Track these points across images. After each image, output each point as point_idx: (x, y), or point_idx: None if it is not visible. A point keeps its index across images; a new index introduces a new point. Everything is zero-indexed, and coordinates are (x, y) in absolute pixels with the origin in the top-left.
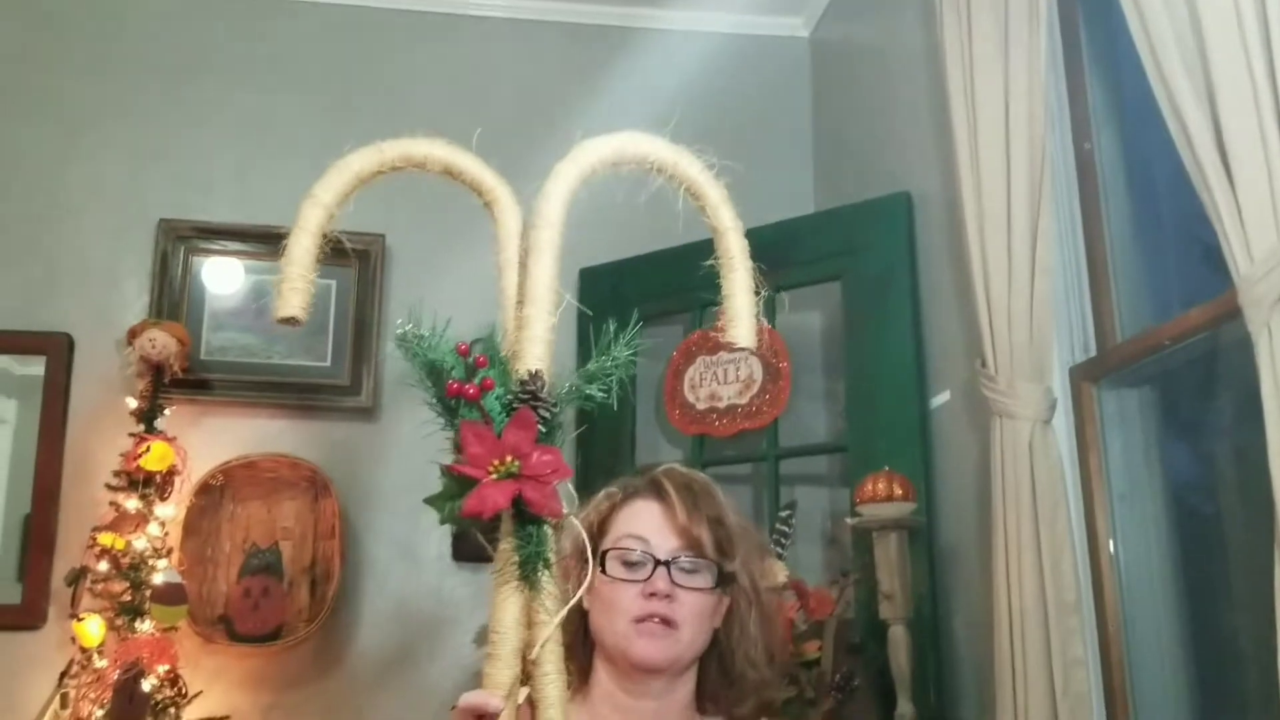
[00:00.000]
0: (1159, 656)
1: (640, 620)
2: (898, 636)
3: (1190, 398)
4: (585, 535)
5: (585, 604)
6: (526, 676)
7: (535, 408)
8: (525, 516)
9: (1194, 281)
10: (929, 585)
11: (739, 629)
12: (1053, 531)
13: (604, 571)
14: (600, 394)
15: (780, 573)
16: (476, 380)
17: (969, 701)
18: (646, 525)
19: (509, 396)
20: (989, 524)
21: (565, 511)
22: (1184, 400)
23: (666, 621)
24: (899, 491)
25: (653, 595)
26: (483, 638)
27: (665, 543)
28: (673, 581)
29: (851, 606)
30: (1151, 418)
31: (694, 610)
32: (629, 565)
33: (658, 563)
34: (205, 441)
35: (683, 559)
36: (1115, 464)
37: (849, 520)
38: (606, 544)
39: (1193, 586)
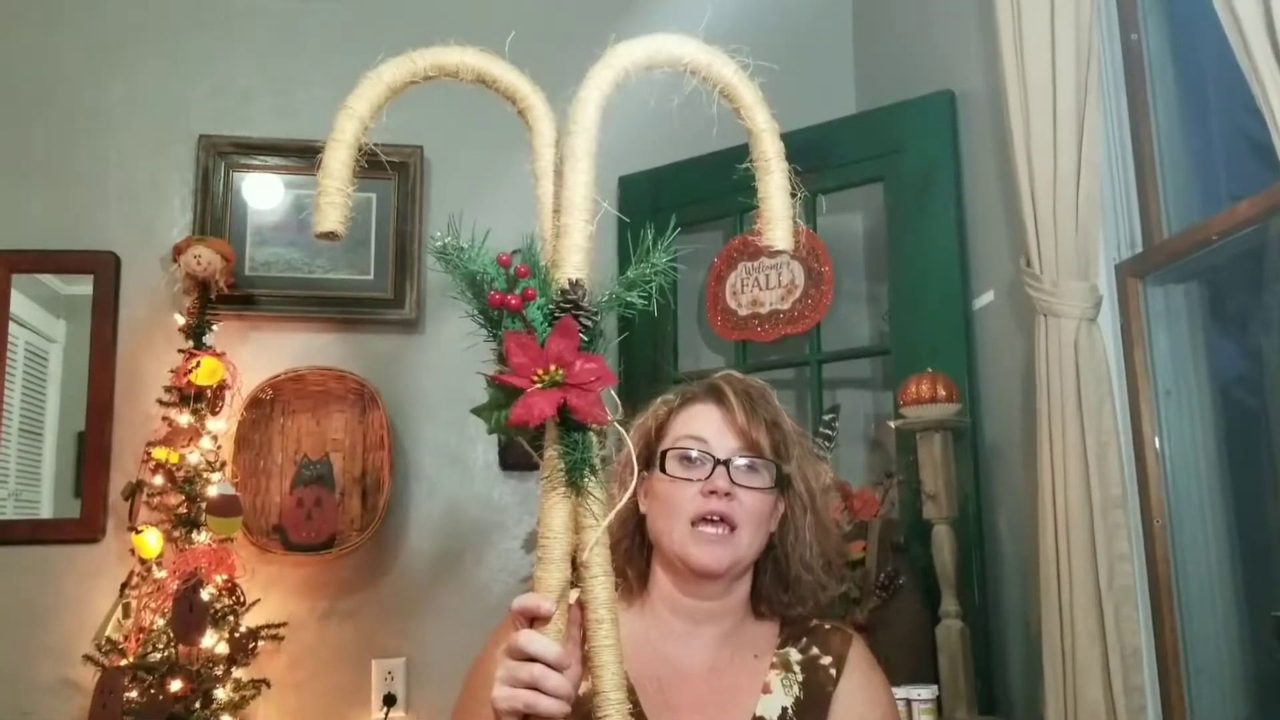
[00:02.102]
0: (1204, 551)
1: (699, 520)
2: (942, 536)
3: (1237, 293)
4: (643, 439)
5: (643, 508)
6: (576, 579)
7: (577, 316)
8: (571, 424)
9: (1243, 175)
10: (973, 485)
11: (794, 534)
12: (1098, 429)
13: (663, 470)
14: (641, 301)
15: (827, 474)
16: (518, 291)
17: (1013, 598)
18: (705, 427)
19: (551, 306)
20: (1033, 423)
21: (610, 418)
22: (1231, 295)
23: (725, 520)
24: (943, 393)
25: (712, 494)
26: (531, 543)
27: (724, 443)
28: (732, 481)
29: (896, 507)
30: (1198, 313)
31: (752, 510)
32: (688, 464)
33: (717, 462)
34: (253, 356)
35: (742, 458)
36: (1161, 360)
37: (892, 424)
38: (665, 445)
39: (1238, 481)
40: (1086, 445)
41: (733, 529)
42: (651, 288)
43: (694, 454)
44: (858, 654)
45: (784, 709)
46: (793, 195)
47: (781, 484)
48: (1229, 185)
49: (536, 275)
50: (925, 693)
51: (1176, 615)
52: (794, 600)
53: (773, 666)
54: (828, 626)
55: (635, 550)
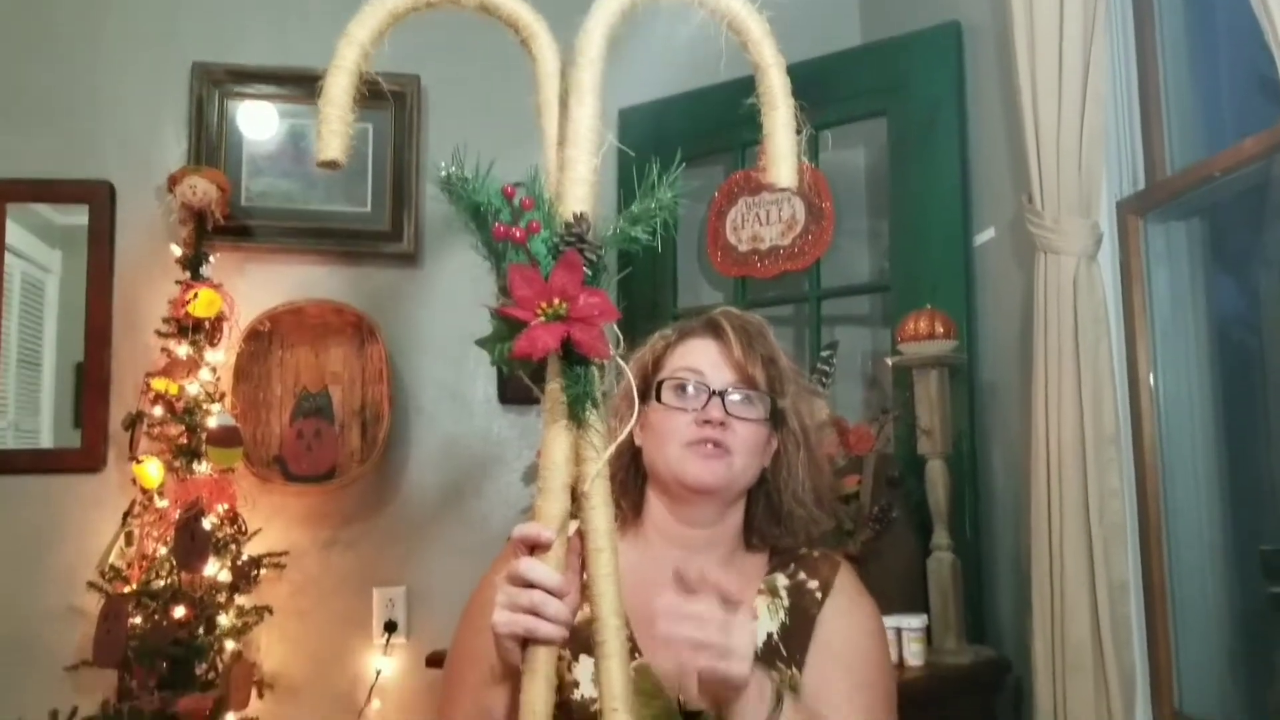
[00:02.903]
0: (1194, 487)
1: (694, 444)
2: (936, 471)
3: (1238, 232)
4: (639, 373)
5: (638, 439)
6: (576, 510)
7: (581, 250)
8: (573, 357)
9: (1250, 112)
10: (968, 421)
11: (786, 469)
12: (1094, 366)
13: (659, 400)
14: (645, 236)
15: (822, 410)
16: (523, 223)
17: (1004, 532)
18: (702, 360)
19: (555, 239)
20: (1030, 360)
21: (612, 352)
22: (1232, 234)
23: (719, 446)
24: (941, 329)
25: (707, 423)
26: (530, 476)
27: (720, 376)
28: (726, 411)
29: (891, 443)
30: (1198, 252)
31: (746, 440)
32: (683, 395)
33: (712, 393)
34: (251, 288)
35: (736, 391)
36: (1159, 299)
37: (889, 360)
38: (663, 376)
39: (1230, 419)
40: (1082, 382)
41: (728, 454)
42: (656, 223)
43: (690, 385)
44: (845, 579)
45: (770, 635)
46: (798, 132)
47: (775, 419)
48: (1235, 123)
49: (540, 208)
50: (915, 622)
51: (1165, 550)
52: (785, 533)
53: (760, 593)
54: (816, 554)
55: (630, 482)
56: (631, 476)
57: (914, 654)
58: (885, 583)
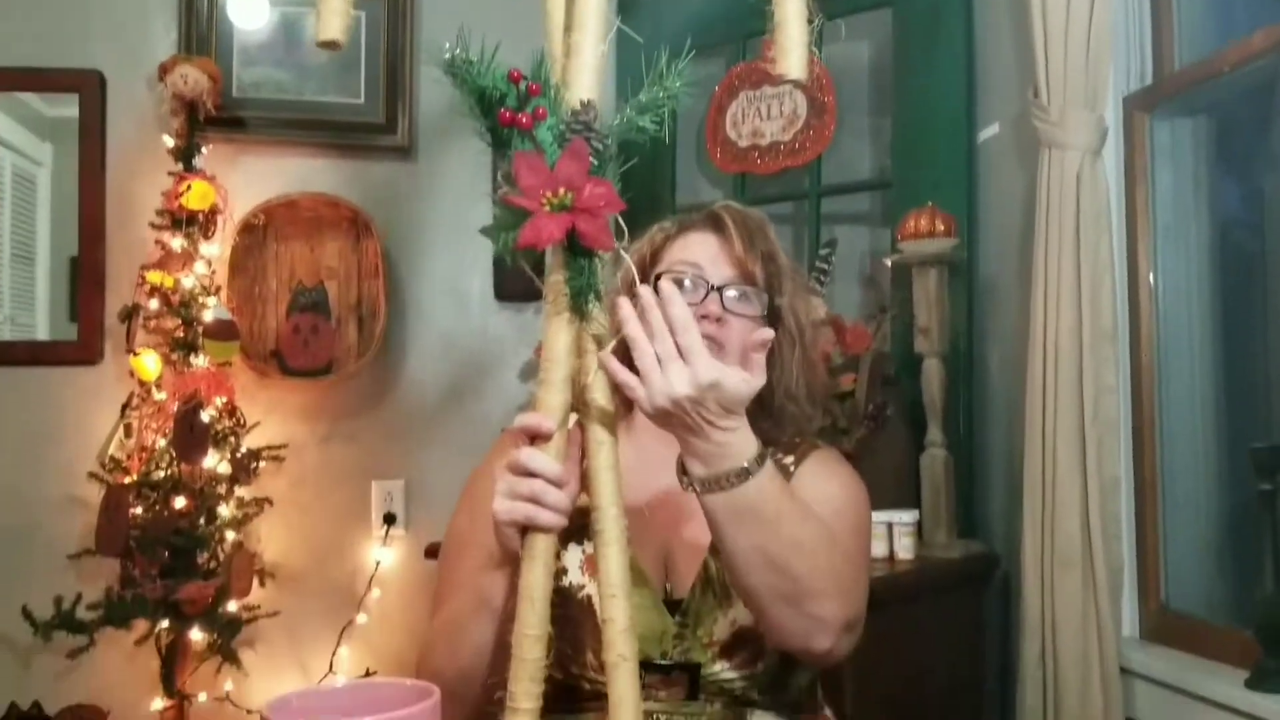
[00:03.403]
0: (1189, 385)
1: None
2: (932, 369)
3: (1245, 130)
4: (637, 265)
5: None
6: (576, 403)
7: (588, 139)
8: (577, 249)
9: (1263, 7)
10: (965, 320)
11: (780, 367)
12: (1094, 263)
13: (656, 294)
14: (653, 126)
15: (819, 309)
16: (529, 109)
17: (998, 430)
18: (702, 254)
19: (561, 127)
20: (1030, 258)
21: (616, 244)
22: (1238, 132)
23: (713, 342)
24: (941, 227)
25: (704, 318)
26: (527, 373)
27: (719, 271)
28: (724, 307)
29: (888, 341)
30: (1203, 150)
31: (741, 336)
32: (682, 289)
33: (710, 287)
34: (244, 181)
35: (735, 287)
36: (1162, 196)
37: (888, 259)
38: (660, 269)
39: (1228, 318)
40: (1081, 279)
41: (722, 352)
42: (664, 113)
43: (687, 279)
44: (822, 453)
45: None
46: (809, 22)
47: (772, 317)
48: (1247, 17)
49: (547, 94)
50: (907, 517)
51: (1157, 447)
52: (774, 428)
53: None
54: (799, 440)
55: None
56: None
57: (904, 548)
58: (879, 480)
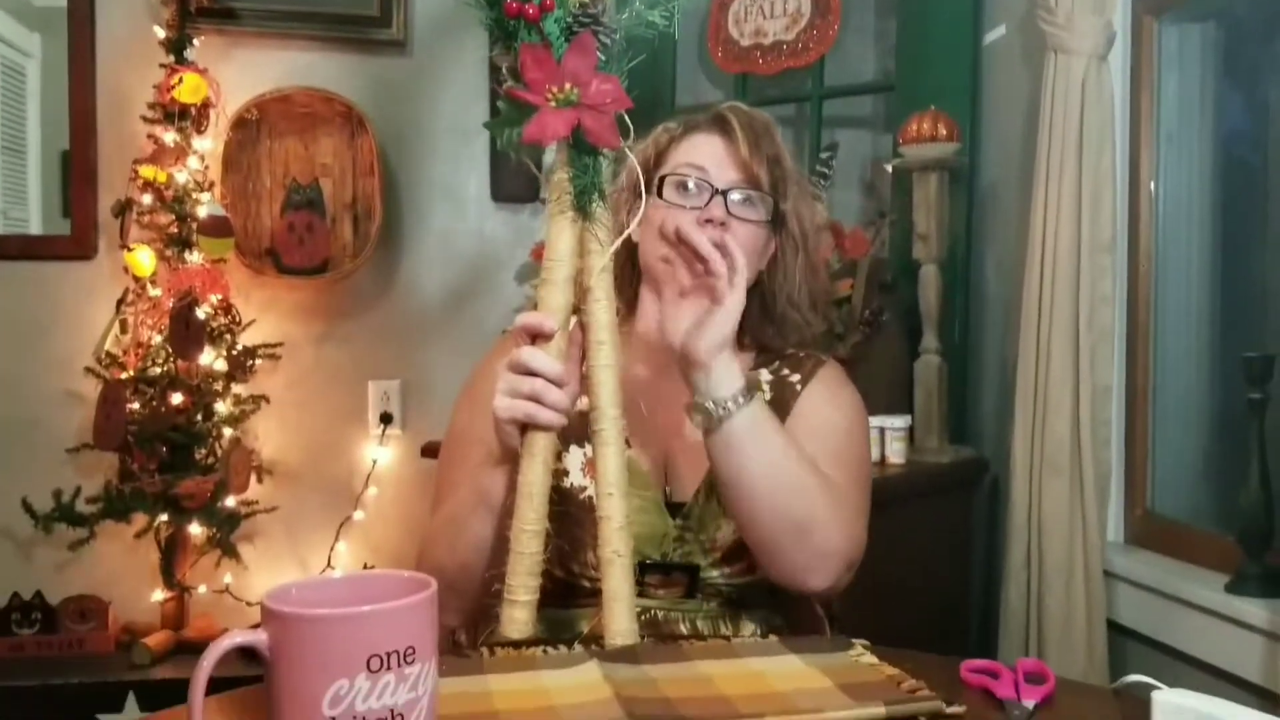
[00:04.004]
0: (1186, 294)
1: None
2: (929, 275)
3: (1254, 38)
4: (641, 166)
5: (635, 236)
6: (578, 303)
7: (596, 33)
8: (583, 147)
9: None
10: (964, 226)
11: (783, 273)
12: (1096, 170)
13: (660, 196)
14: (662, 21)
15: (821, 213)
16: (536, 0)
17: (993, 337)
18: (707, 156)
19: (568, 19)
20: (1032, 164)
21: (622, 143)
22: (1247, 40)
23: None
24: (943, 132)
25: (708, 222)
26: (523, 275)
27: (724, 174)
28: (728, 212)
29: (886, 247)
30: (1211, 57)
31: (745, 242)
32: (685, 192)
33: (715, 191)
34: (237, 74)
35: (740, 190)
36: (1168, 103)
37: (889, 164)
38: (664, 171)
39: (1227, 228)
40: (1083, 186)
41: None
42: (674, 7)
43: (692, 183)
44: (827, 372)
45: None
46: None
47: (776, 222)
48: None
49: None
50: (899, 422)
51: (1151, 355)
52: (776, 334)
53: None
54: (802, 354)
55: (624, 279)
56: (627, 274)
57: (896, 452)
58: (872, 385)
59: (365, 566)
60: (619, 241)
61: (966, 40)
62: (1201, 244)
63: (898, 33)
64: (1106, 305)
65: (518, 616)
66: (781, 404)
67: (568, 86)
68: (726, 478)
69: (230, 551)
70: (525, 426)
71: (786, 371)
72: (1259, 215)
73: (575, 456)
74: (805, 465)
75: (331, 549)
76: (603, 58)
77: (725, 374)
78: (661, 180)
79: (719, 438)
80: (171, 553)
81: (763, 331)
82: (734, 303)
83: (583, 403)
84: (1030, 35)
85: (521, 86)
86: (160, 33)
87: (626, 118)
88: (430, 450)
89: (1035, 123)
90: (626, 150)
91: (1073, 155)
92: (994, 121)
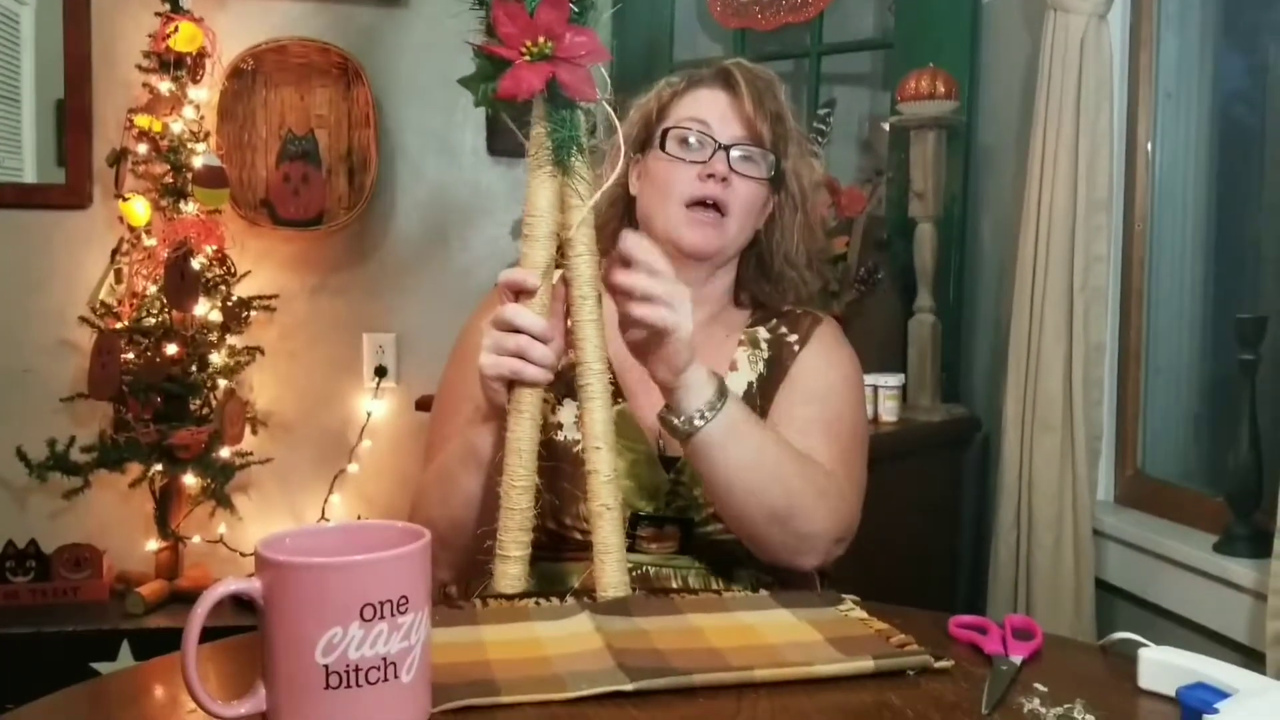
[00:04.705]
0: (1180, 255)
1: (693, 203)
2: (924, 234)
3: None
4: (643, 120)
5: (634, 189)
6: (561, 258)
7: None
8: (559, 100)
9: None
10: (961, 185)
11: (780, 231)
12: (1093, 130)
13: (662, 149)
14: None
15: (818, 171)
16: None
17: (987, 296)
18: (710, 111)
19: None
20: (1030, 123)
21: (600, 96)
22: (1247, 1)
23: (718, 205)
24: (942, 89)
25: (710, 177)
26: (518, 229)
27: (728, 129)
28: (730, 168)
29: (882, 205)
30: (1211, 17)
31: (745, 199)
32: (687, 147)
33: (718, 146)
34: (233, 24)
35: (742, 147)
36: (1166, 63)
37: (886, 123)
38: (667, 125)
39: (1223, 189)
40: (1079, 146)
41: (723, 215)
42: None
43: (694, 137)
44: (825, 330)
45: (749, 384)
46: None
47: (776, 179)
48: None
49: None
50: (892, 380)
51: (1144, 316)
52: (774, 292)
53: (740, 344)
54: (800, 311)
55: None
56: (625, 227)
57: (889, 410)
58: (866, 343)
59: (358, 519)
60: (599, 195)
61: None
62: (1197, 205)
63: None
64: (1101, 264)
65: (510, 572)
66: (778, 363)
67: (541, 40)
68: (704, 478)
69: (224, 502)
70: (512, 383)
71: (784, 330)
72: (1255, 177)
73: (568, 411)
74: (785, 456)
75: (325, 501)
76: (576, 9)
77: (692, 389)
78: (664, 133)
79: (691, 446)
80: (166, 502)
81: (759, 289)
82: (684, 327)
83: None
84: None
85: (496, 42)
86: None
87: (604, 70)
88: (425, 404)
89: (1034, 82)
90: (605, 104)
91: (1070, 114)
92: (992, 80)
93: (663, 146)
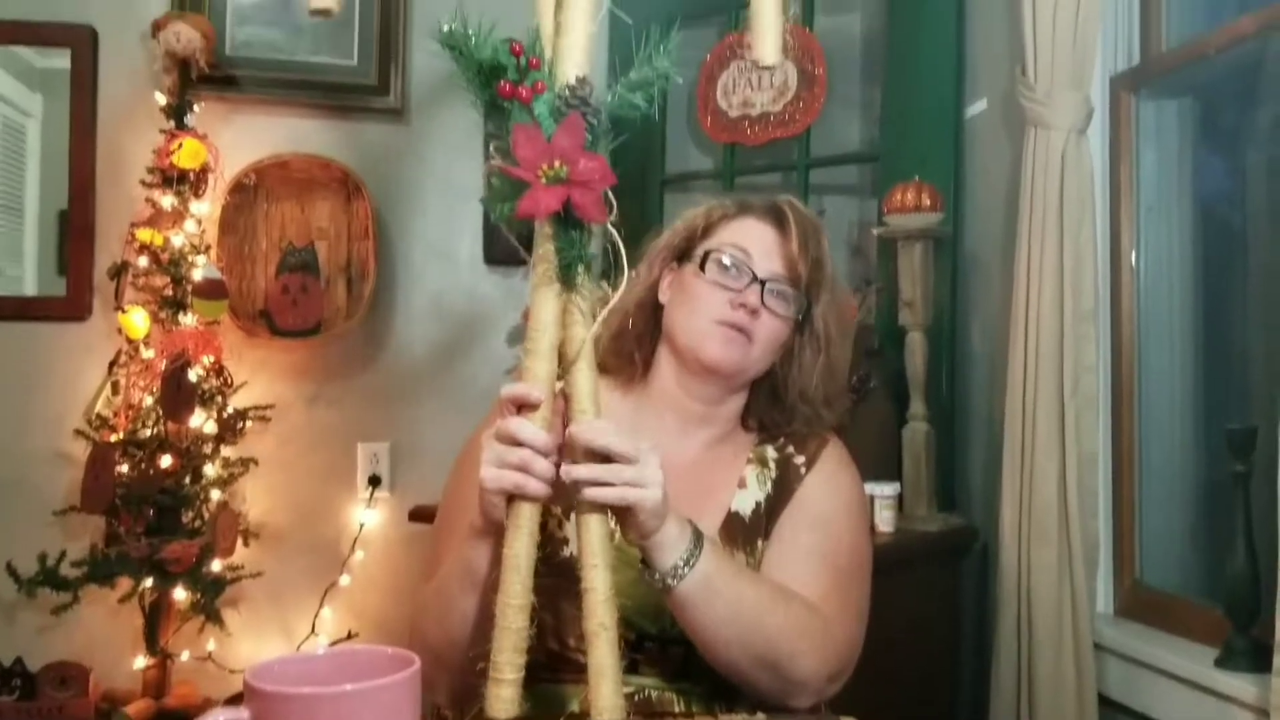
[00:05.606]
0: (1168, 364)
1: (720, 324)
2: (915, 342)
3: (1229, 111)
4: (686, 234)
5: (663, 297)
6: (562, 371)
7: (584, 114)
8: (571, 221)
9: None
10: (949, 294)
11: (797, 369)
12: (1077, 241)
13: (701, 269)
14: (644, 104)
15: (851, 310)
16: (528, 82)
17: (979, 404)
18: (755, 242)
19: (558, 101)
20: (1014, 234)
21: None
22: (1222, 114)
23: (744, 333)
24: (927, 202)
25: (741, 306)
26: (514, 337)
27: (768, 264)
28: (762, 301)
29: (873, 313)
30: (1188, 131)
31: (770, 333)
32: (726, 271)
33: (755, 278)
34: (236, 140)
35: (778, 284)
36: (1146, 176)
37: (875, 230)
38: (710, 245)
39: (1208, 299)
40: (1064, 257)
41: (749, 343)
42: (654, 91)
43: (734, 263)
44: (831, 452)
45: (758, 504)
46: (784, 12)
47: (803, 322)
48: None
49: (545, 69)
50: (888, 489)
51: (1135, 424)
52: (784, 420)
53: (749, 462)
54: (806, 431)
55: (646, 337)
56: (648, 332)
57: (885, 520)
58: (860, 451)
59: (350, 634)
60: (605, 312)
61: (949, 112)
62: (1183, 313)
63: (882, 104)
64: (1090, 374)
65: (504, 695)
66: (785, 485)
67: (557, 164)
68: (687, 628)
69: (214, 617)
70: (512, 497)
71: (791, 450)
72: (1239, 285)
73: (574, 526)
74: (765, 604)
75: (316, 615)
76: (590, 137)
77: (665, 547)
78: (706, 253)
79: (671, 599)
80: (155, 618)
81: (769, 415)
82: (649, 498)
83: None
84: (1011, 108)
85: (512, 163)
86: (161, 99)
87: (611, 193)
88: (418, 514)
89: (1017, 193)
90: (609, 226)
91: (1054, 226)
92: (976, 191)
93: (702, 265)
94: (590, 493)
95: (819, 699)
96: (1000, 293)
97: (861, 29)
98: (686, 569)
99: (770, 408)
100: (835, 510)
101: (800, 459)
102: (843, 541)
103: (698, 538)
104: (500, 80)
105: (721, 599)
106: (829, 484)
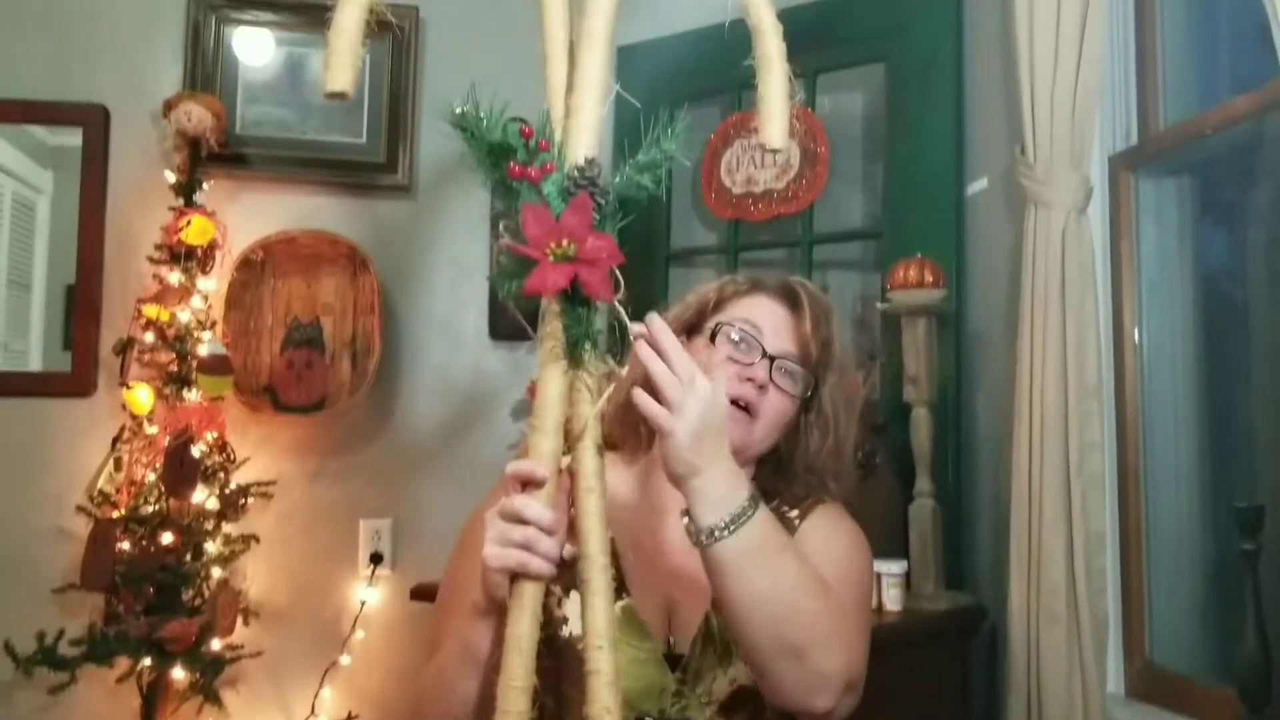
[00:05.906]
0: (1174, 442)
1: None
2: (920, 418)
3: (1228, 190)
4: (698, 307)
5: None
6: (567, 449)
7: (592, 194)
8: (578, 298)
9: (1245, 68)
10: (953, 369)
11: (803, 446)
12: (1079, 319)
13: (711, 340)
14: (651, 186)
15: (858, 391)
16: (537, 163)
17: (985, 480)
18: (766, 319)
19: (566, 182)
20: (1017, 311)
21: (614, 296)
22: (1221, 191)
23: (749, 409)
24: (930, 278)
25: (749, 381)
26: (519, 412)
27: (778, 341)
28: (770, 377)
29: (877, 389)
30: (1187, 208)
31: (776, 410)
32: (737, 345)
33: (764, 354)
34: (244, 217)
35: (787, 362)
36: (1147, 253)
37: (879, 305)
38: (722, 319)
39: (1212, 375)
40: (1067, 335)
41: (753, 418)
42: (661, 173)
43: (744, 339)
44: (826, 509)
45: None
46: (791, 97)
47: (809, 403)
48: (1231, 79)
49: (554, 150)
50: (895, 567)
51: (1142, 503)
52: (787, 489)
53: None
54: (805, 494)
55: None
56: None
57: (892, 599)
58: (867, 528)
59: (350, 715)
60: (611, 389)
61: (950, 190)
62: (1188, 389)
63: (883, 181)
64: (1096, 451)
65: None
66: None
67: (565, 242)
68: (718, 599)
69: (213, 698)
70: (515, 576)
71: (785, 508)
72: (1242, 361)
73: (575, 603)
74: (805, 586)
75: (316, 695)
76: (597, 216)
77: (706, 500)
78: (717, 326)
79: (708, 559)
80: (153, 698)
81: (772, 484)
82: (678, 434)
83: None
84: (1011, 186)
85: (520, 242)
86: (171, 177)
87: (618, 272)
88: (419, 592)
89: (1019, 270)
90: (617, 305)
91: (1056, 304)
92: (979, 268)
93: (712, 338)
94: (638, 392)
95: (834, 704)
96: (1004, 369)
97: (863, 108)
98: (725, 533)
99: (775, 476)
100: (834, 550)
101: (793, 513)
102: (849, 572)
103: (750, 505)
104: (510, 161)
105: (763, 574)
106: (827, 530)
